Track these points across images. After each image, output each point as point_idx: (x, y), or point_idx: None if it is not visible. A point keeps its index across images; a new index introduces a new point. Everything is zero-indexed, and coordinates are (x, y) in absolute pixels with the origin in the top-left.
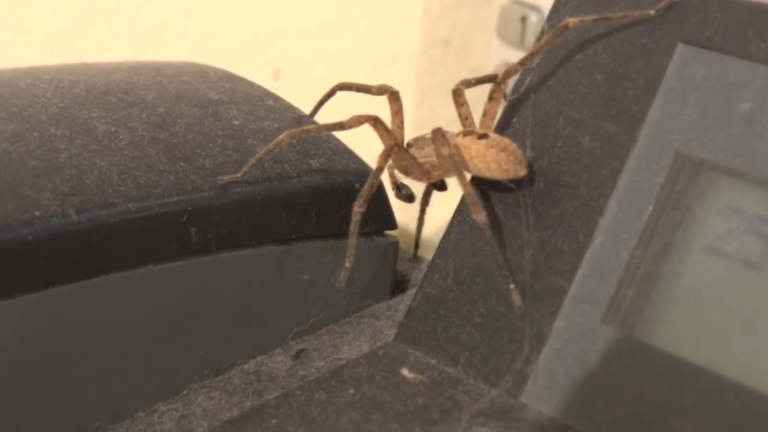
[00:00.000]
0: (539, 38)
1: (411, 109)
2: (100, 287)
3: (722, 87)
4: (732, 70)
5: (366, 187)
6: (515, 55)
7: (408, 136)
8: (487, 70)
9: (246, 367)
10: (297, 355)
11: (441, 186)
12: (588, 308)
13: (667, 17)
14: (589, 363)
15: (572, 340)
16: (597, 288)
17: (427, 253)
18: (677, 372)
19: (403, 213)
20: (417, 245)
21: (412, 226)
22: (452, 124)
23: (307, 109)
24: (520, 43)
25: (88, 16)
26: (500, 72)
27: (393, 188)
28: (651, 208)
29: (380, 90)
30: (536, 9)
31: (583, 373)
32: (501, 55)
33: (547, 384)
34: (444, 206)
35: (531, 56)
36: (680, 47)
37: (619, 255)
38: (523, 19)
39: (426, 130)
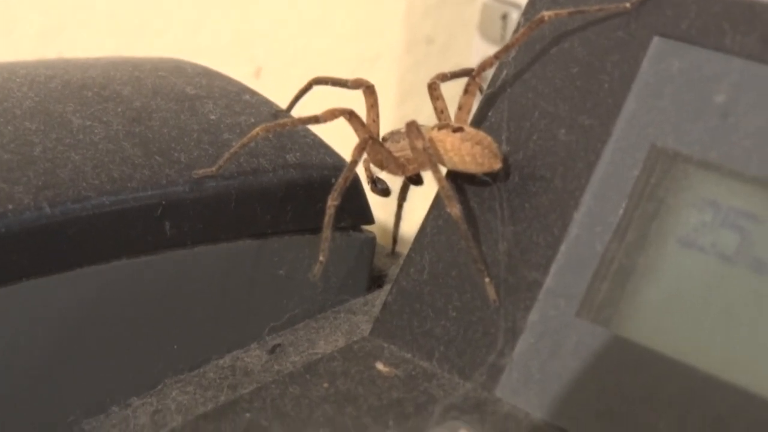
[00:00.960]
0: (515, 31)
1: (393, 108)
2: (73, 281)
3: (697, 80)
4: (707, 63)
5: (340, 180)
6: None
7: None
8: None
9: (221, 361)
10: (272, 350)
11: (417, 180)
12: (563, 301)
13: (643, 10)
14: (563, 357)
15: (547, 334)
16: (572, 281)
17: (405, 249)
18: (652, 365)
19: (382, 209)
20: (395, 240)
21: (391, 221)
22: (434, 122)
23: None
24: (502, 40)
25: (69, 14)
26: (480, 64)
27: (369, 182)
28: (626, 201)
29: (356, 84)
30: (517, 6)
31: (557, 366)
32: (483, 52)
33: (521, 378)
34: (424, 201)
35: (506, 49)
36: (656, 40)
37: (593, 248)
38: (504, 17)
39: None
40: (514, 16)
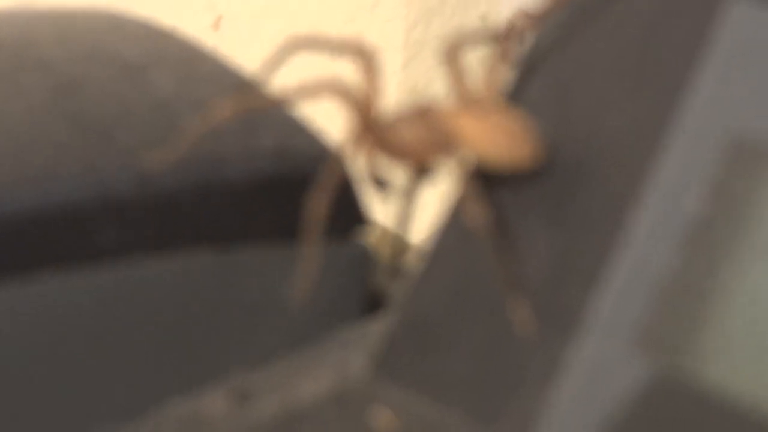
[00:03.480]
0: None
1: (397, 70)
2: None
3: None
4: None
5: (326, 175)
6: (534, 1)
7: (394, 104)
8: (500, 19)
9: (175, 410)
10: (241, 395)
11: (428, 174)
12: (617, 332)
13: None
14: (616, 401)
15: (595, 372)
16: (629, 306)
17: (412, 262)
18: (732, 416)
19: (381, 205)
20: (398, 249)
21: (392, 223)
22: (451, 96)
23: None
24: None
25: None
26: (508, 25)
27: (367, 177)
28: (698, 204)
29: (350, 49)
30: None
31: (607, 414)
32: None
33: (562, 428)
34: (434, 198)
35: (545, 13)
36: (737, 1)
37: (657, 264)
38: None
39: (417, 98)
40: None
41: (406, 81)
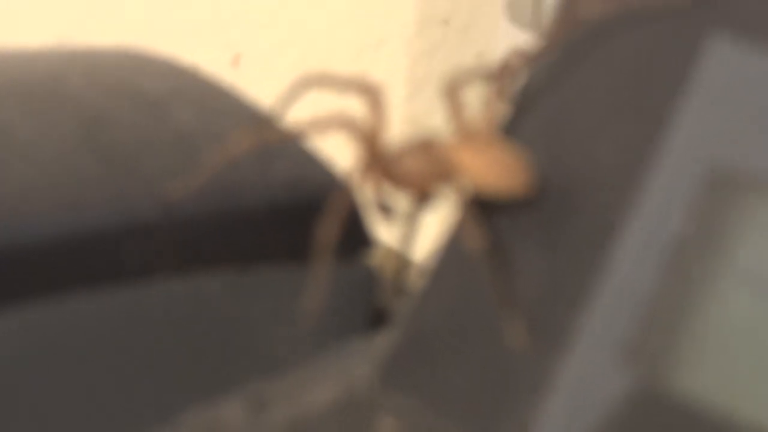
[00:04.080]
0: (553, 26)
1: (401, 104)
2: (16, 320)
3: (766, 84)
4: None
5: (336, 203)
6: (527, 40)
7: (397, 136)
8: (495, 56)
9: (197, 416)
10: (257, 403)
11: (430, 201)
12: (605, 348)
13: (702, 3)
14: (603, 414)
15: (584, 384)
16: (616, 324)
17: (414, 282)
18: (709, 425)
19: (387, 231)
20: (401, 270)
21: (395, 243)
22: (451, 129)
23: (271, 102)
24: (533, 26)
25: None
26: (502, 64)
27: (374, 203)
28: (680, 229)
29: (357, 87)
30: None
31: (596, 423)
32: (511, 39)
33: None
34: (435, 224)
35: (539, 53)
36: (715, 38)
37: (643, 285)
38: None
39: (419, 129)
40: None
41: (409, 113)
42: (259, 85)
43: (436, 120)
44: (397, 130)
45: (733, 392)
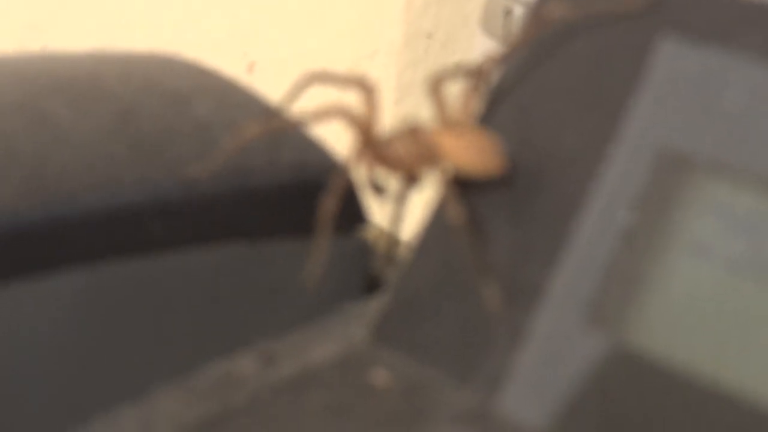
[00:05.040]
0: (522, 29)
1: (391, 104)
2: (61, 283)
3: (709, 81)
4: (719, 64)
5: (335, 182)
6: (499, 50)
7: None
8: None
9: (213, 368)
10: (266, 358)
11: (417, 181)
12: (567, 309)
13: (653, 9)
14: (570, 366)
15: (552, 342)
16: (578, 288)
17: (403, 252)
18: (662, 376)
19: (379, 208)
20: (392, 242)
21: (386, 219)
22: (435, 120)
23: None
24: (504, 37)
25: (55, 7)
26: (480, 64)
27: (368, 184)
28: (634, 206)
29: (355, 82)
30: (521, 2)
31: (562, 376)
32: (485, 50)
33: (523, 387)
34: (421, 202)
35: (511, 50)
36: (666, 39)
37: (601, 254)
38: (508, 12)
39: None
40: (518, 12)
41: (398, 114)
42: (271, 87)
43: (421, 118)
44: (387, 128)
45: (687, 347)
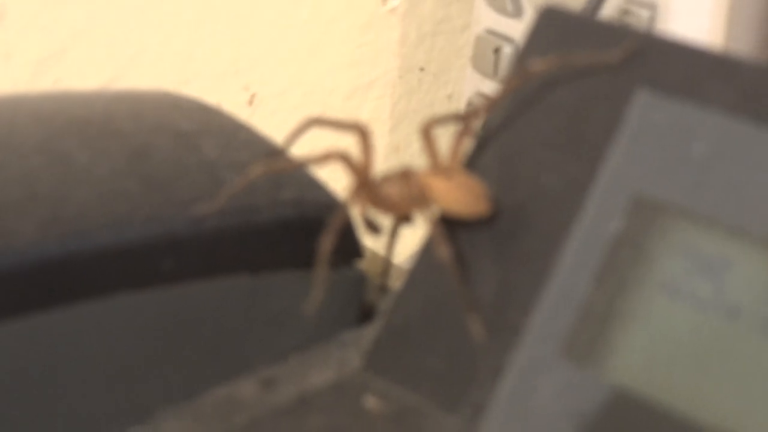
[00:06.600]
0: (505, 80)
1: (385, 134)
2: (75, 315)
3: (679, 132)
4: (689, 116)
5: (334, 222)
6: (488, 86)
7: (382, 161)
8: (463, 98)
9: (216, 392)
10: (266, 382)
11: (409, 220)
12: (544, 343)
13: (629, 63)
14: (546, 397)
15: (530, 373)
16: (554, 324)
17: (396, 283)
18: (632, 408)
19: (373, 243)
20: (385, 275)
21: (381, 252)
22: (425, 153)
23: (281, 134)
24: (494, 74)
25: (66, 42)
26: (472, 104)
27: (363, 222)
28: (608, 247)
29: (352, 127)
30: (510, 40)
31: (540, 406)
32: (475, 84)
33: (503, 415)
34: (413, 237)
35: (496, 100)
36: (639, 92)
37: (576, 292)
38: (497, 50)
39: (400, 156)
40: (507, 50)
41: (391, 142)
42: (271, 118)
43: (413, 148)
44: (381, 156)
45: (658, 381)
